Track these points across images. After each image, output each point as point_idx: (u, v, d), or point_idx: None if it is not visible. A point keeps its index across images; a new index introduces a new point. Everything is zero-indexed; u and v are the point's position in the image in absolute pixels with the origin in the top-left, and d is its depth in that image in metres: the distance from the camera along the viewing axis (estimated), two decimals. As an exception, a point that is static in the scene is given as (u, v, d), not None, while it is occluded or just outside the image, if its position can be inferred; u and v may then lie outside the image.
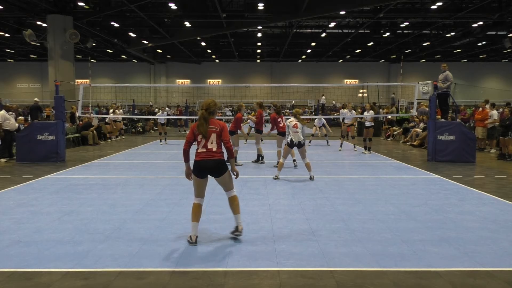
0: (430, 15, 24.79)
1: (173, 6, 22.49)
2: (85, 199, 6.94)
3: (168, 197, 7.08)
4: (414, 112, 15.70)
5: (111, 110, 19.81)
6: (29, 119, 17.54)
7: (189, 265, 4.14)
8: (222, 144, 4.78)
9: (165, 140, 16.75)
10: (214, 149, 4.71)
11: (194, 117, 30.72)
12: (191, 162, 4.84)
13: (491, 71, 46.56)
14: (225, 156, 4.86)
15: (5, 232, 5.15)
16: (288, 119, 9.21)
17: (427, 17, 25.63)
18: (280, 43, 36.69)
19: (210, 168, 4.71)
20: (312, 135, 16.82)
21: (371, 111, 13.67)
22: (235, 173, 4.91)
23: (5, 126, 11.62)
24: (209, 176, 4.87)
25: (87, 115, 18.09)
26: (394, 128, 19.72)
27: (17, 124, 13.71)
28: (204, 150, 4.70)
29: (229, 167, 4.88)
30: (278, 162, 9.39)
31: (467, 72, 45.01)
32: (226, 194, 4.98)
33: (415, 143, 15.92)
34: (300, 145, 8.76)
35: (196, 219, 4.79)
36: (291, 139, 8.72)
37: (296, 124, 8.81)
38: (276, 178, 8.79)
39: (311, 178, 8.75)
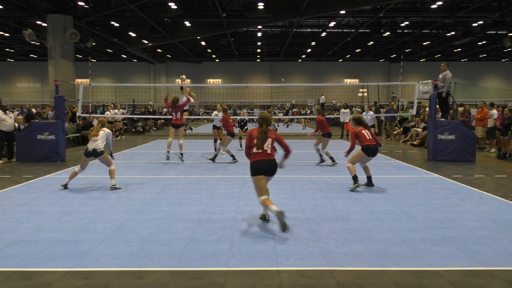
0: (430, 15, 24.81)
1: (173, 5, 22.48)
2: (85, 198, 6.94)
3: (168, 197, 7.08)
4: (414, 112, 15.70)
5: (109, 112, 19.77)
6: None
7: (189, 265, 4.13)
8: (282, 148, 5.58)
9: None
10: (269, 151, 5.39)
11: (195, 117, 30.63)
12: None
13: (491, 70, 46.57)
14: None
15: (5, 231, 5.15)
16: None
17: (427, 16, 25.63)
18: (280, 43, 36.68)
19: (265, 168, 5.33)
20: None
21: (370, 112, 13.67)
22: (282, 167, 5.65)
23: (0, 127, 11.14)
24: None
25: (88, 115, 18.08)
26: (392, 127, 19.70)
27: (17, 124, 13.69)
28: (260, 151, 5.35)
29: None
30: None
31: (467, 72, 45.02)
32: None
33: (415, 143, 15.92)
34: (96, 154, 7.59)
35: (270, 203, 5.14)
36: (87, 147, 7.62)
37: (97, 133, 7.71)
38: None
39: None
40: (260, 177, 5.31)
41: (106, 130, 7.79)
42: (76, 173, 7.75)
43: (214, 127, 13.02)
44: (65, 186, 7.69)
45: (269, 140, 5.40)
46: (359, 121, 7.98)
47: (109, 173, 7.74)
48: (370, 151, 7.64)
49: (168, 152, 10.92)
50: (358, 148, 7.88)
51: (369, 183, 7.91)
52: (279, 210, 4.92)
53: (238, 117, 15.99)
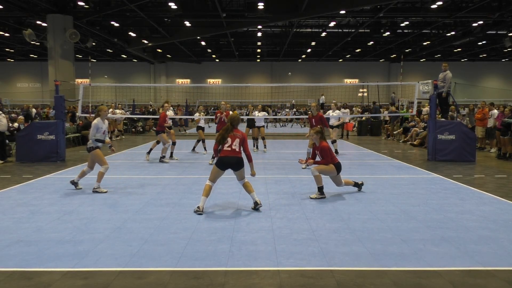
0: (430, 15, 24.81)
1: (173, 5, 22.48)
2: (85, 198, 6.94)
3: (168, 197, 7.08)
4: (414, 112, 15.70)
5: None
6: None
7: (189, 265, 4.13)
8: (242, 149, 6.21)
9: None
10: (237, 150, 6.13)
11: (194, 117, 30.65)
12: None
13: (491, 70, 46.57)
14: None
15: (5, 231, 5.15)
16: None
17: (427, 16, 25.64)
18: (280, 43, 36.69)
19: (232, 163, 6.10)
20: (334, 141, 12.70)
21: (337, 111, 13.33)
22: (253, 175, 6.38)
23: None
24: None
25: (88, 115, 18.06)
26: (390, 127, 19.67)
27: (16, 124, 13.67)
28: (229, 149, 6.10)
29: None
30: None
31: (467, 72, 45.04)
32: (239, 182, 6.29)
33: (415, 143, 15.92)
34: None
35: (206, 195, 6.07)
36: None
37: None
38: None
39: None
40: (221, 172, 6.14)
41: (95, 120, 7.47)
42: (84, 173, 7.63)
43: (199, 128, 13.53)
44: (73, 183, 7.66)
45: (237, 140, 6.13)
46: (323, 135, 7.27)
47: (97, 173, 7.43)
48: (340, 168, 7.16)
49: (164, 156, 11.50)
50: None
51: (359, 187, 7.57)
52: (202, 205, 5.96)
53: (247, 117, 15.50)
